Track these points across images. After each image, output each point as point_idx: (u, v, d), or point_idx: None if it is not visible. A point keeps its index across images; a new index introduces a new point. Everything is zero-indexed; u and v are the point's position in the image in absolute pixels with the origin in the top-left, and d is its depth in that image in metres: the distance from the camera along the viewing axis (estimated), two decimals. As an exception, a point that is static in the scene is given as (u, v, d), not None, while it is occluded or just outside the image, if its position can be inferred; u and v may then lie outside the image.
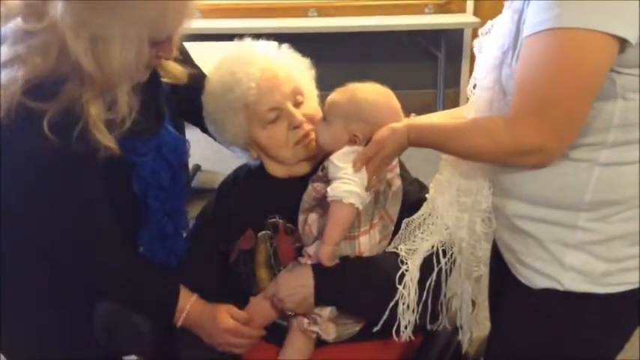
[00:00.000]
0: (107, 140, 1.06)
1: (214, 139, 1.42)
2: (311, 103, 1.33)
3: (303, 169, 1.33)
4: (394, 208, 1.26)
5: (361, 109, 1.21)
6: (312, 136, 1.28)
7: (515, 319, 1.21)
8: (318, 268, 1.19)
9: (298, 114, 1.28)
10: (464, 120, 1.17)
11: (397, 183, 1.26)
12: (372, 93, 1.23)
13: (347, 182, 1.14)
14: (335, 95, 1.24)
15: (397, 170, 1.27)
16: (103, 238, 1.17)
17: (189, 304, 1.25)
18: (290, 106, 1.28)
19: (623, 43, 0.93)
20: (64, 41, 0.99)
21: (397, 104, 1.24)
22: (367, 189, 1.16)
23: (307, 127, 1.29)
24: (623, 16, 0.91)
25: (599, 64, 0.94)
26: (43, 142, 1.00)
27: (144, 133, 1.12)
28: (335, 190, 1.14)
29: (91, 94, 1.04)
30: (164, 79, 1.29)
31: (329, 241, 1.16)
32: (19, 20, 1.02)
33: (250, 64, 1.28)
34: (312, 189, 1.23)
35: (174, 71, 1.29)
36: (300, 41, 1.42)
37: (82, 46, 0.99)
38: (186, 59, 1.34)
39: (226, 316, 1.26)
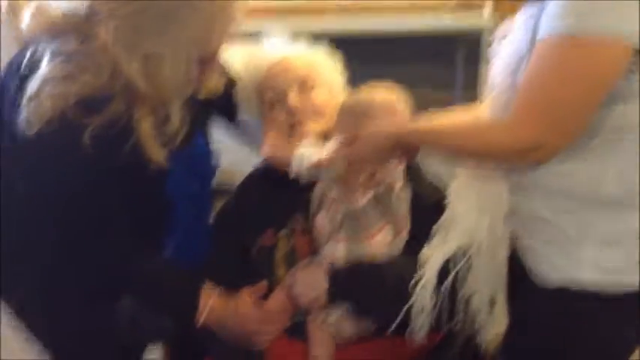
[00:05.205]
0: (158, 155, 1.09)
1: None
2: (324, 97, 1.36)
3: None
4: (401, 209, 1.27)
5: (353, 105, 1.28)
6: (305, 127, 1.31)
7: (530, 316, 1.20)
8: (332, 270, 1.21)
9: (293, 99, 1.32)
10: (463, 120, 1.18)
11: (399, 184, 1.27)
12: (369, 91, 1.29)
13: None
14: None
15: (399, 172, 1.28)
16: (125, 243, 1.19)
17: (211, 300, 1.26)
18: (289, 91, 1.32)
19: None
20: (117, 62, 1.03)
21: (390, 103, 1.26)
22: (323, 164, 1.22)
23: (301, 116, 1.32)
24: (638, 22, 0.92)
25: (612, 70, 0.95)
26: (81, 153, 1.02)
27: (178, 143, 1.15)
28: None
29: (143, 112, 1.08)
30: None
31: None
32: (71, 39, 1.05)
33: (272, 52, 1.38)
34: (320, 187, 1.27)
35: (211, 84, 1.31)
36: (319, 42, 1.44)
37: (135, 67, 1.03)
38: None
39: (247, 298, 1.28)
